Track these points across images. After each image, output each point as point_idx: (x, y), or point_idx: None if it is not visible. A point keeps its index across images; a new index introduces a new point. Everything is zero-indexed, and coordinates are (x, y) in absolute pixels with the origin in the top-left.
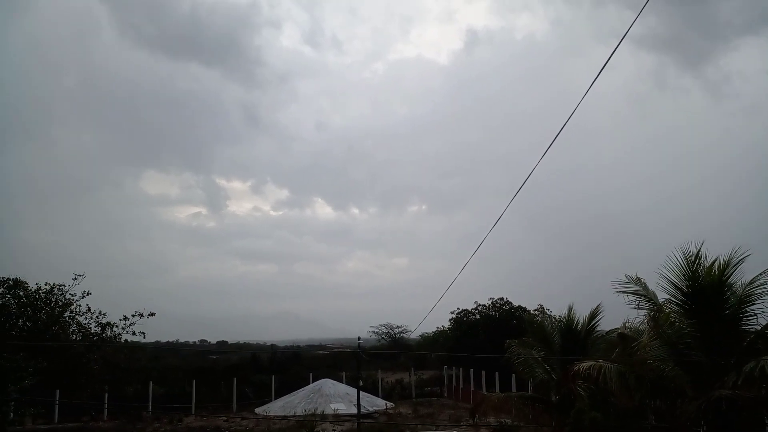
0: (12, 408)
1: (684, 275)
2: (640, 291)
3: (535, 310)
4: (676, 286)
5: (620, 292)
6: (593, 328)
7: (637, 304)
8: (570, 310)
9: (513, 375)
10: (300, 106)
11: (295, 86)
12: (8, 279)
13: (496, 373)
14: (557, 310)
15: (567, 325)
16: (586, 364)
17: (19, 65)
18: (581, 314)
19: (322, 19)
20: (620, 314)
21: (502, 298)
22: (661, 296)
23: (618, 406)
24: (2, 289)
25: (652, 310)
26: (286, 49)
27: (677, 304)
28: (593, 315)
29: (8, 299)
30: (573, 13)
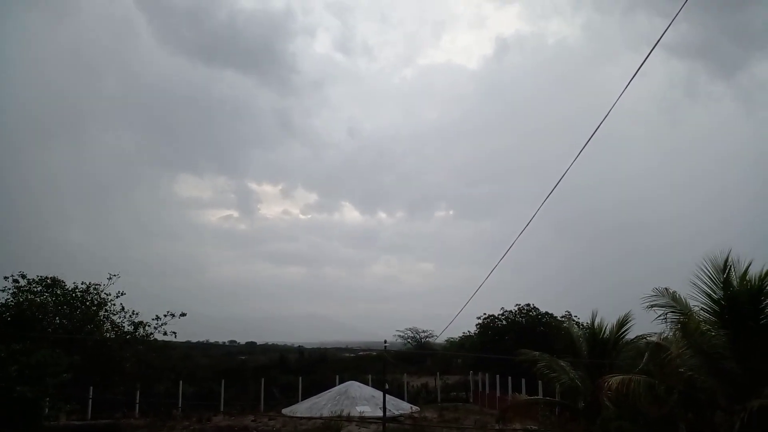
0: (48, 403)
1: (716, 284)
2: (670, 302)
3: (562, 317)
4: (708, 296)
5: (651, 306)
6: (621, 336)
7: (666, 315)
8: (594, 316)
9: (539, 381)
10: (332, 112)
11: (327, 92)
12: (47, 278)
13: (523, 379)
14: (585, 317)
15: (595, 332)
16: (615, 379)
17: (63, 70)
18: (609, 322)
19: (353, 25)
20: (647, 322)
21: (528, 304)
22: (694, 306)
23: (648, 415)
24: (41, 287)
25: (681, 321)
26: (319, 55)
27: (709, 313)
28: (622, 323)
29: (46, 297)
30: (603, 19)
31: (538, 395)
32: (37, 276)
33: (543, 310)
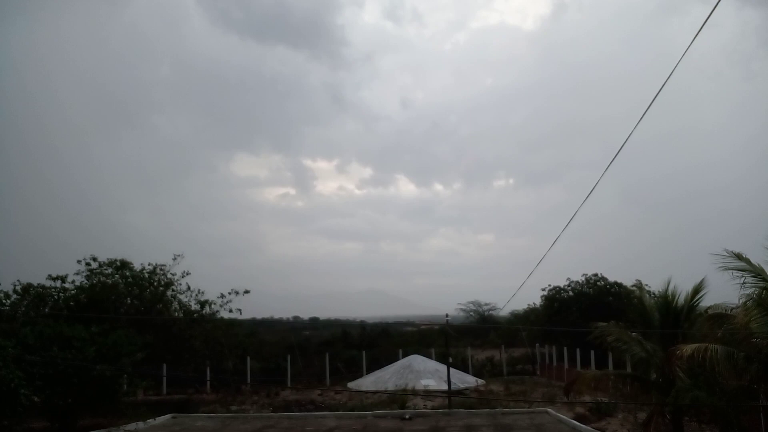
0: (125, 380)
1: None
2: (745, 266)
3: (632, 286)
4: None
5: (724, 268)
6: (695, 304)
7: (743, 281)
8: (668, 285)
9: (609, 353)
10: (383, 84)
11: (378, 63)
12: (116, 260)
13: (591, 351)
14: (655, 285)
15: (668, 300)
16: (689, 348)
17: (121, 57)
18: (683, 290)
19: None
20: (720, 291)
21: (596, 274)
22: None
23: (724, 386)
24: (111, 269)
25: (759, 286)
26: (368, 25)
27: None
28: (696, 290)
29: (116, 279)
30: None
31: (607, 367)
32: (107, 258)
33: (611, 279)
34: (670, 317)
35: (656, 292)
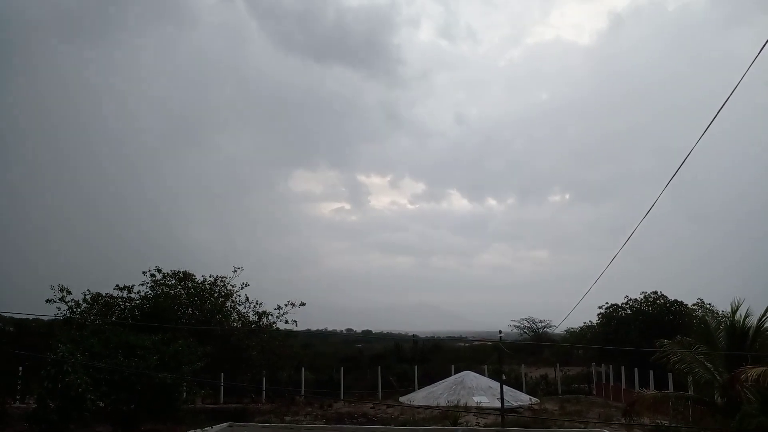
0: (185, 388)
1: None
2: None
3: (693, 305)
4: None
5: None
6: (765, 325)
7: None
8: (739, 305)
9: (669, 374)
10: (437, 100)
11: (432, 80)
12: (179, 272)
13: (650, 371)
14: (720, 305)
15: (734, 321)
16: (758, 370)
17: (188, 79)
18: (753, 310)
19: (456, 10)
20: None
21: (655, 292)
22: None
23: None
24: (174, 280)
25: None
26: (424, 44)
27: None
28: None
29: (179, 290)
30: None
31: (668, 388)
32: (171, 270)
33: (672, 297)
34: (736, 338)
35: (720, 312)
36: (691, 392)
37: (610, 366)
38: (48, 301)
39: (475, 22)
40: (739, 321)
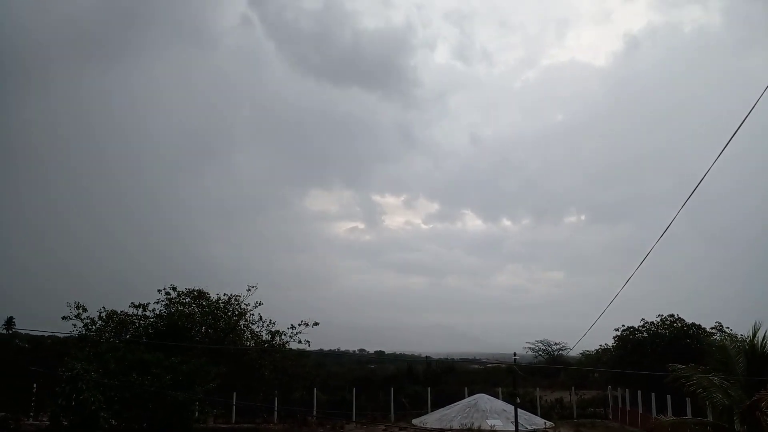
0: (197, 407)
1: None
2: None
3: (711, 329)
4: None
5: None
6: None
7: None
8: (758, 328)
9: (687, 399)
10: (452, 121)
11: (448, 102)
12: (194, 290)
13: (668, 396)
14: (739, 329)
15: (754, 345)
16: None
17: (206, 98)
18: None
19: (471, 33)
20: None
21: (672, 315)
22: None
23: None
24: (189, 299)
25: None
26: (439, 66)
27: None
28: None
29: (193, 308)
30: (748, 2)
31: (685, 413)
32: (186, 288)
33: (689, 321)
34: (756, 362)
35: (739, 336)
36: (710, 418)
37: (627, 390)
38: (64, 318)
39: (491, 45)
40: (759, 344)
